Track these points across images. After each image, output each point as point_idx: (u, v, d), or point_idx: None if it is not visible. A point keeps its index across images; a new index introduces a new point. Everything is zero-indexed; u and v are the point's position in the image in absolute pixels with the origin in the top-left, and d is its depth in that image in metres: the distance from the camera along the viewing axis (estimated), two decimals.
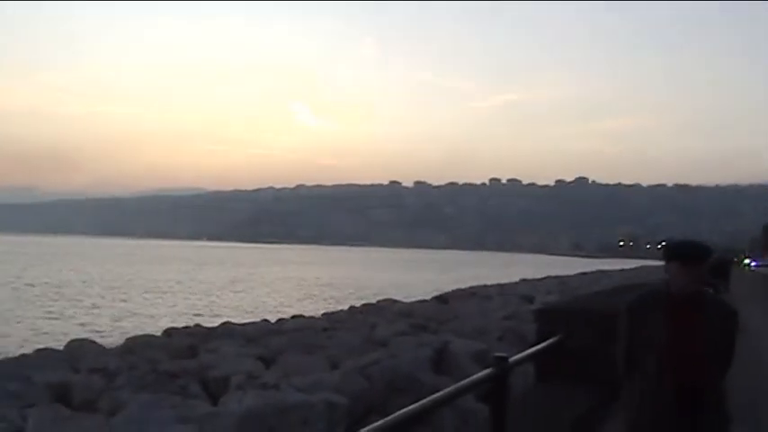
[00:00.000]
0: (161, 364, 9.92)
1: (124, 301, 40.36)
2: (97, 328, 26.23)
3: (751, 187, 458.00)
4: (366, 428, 2.65)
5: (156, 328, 19.52)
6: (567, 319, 7.02)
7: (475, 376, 4.03)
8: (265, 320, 19.88)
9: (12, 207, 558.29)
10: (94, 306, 36.22)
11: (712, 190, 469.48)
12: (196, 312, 33.97)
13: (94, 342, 13.10)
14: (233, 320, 20.20)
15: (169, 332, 15.63)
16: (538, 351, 5.56)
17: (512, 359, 4.62)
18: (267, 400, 7.72)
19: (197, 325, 17.45)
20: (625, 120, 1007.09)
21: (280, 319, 20.65)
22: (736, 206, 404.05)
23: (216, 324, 18.05)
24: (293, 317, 21.55)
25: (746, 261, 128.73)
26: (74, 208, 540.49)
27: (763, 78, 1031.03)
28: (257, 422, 7.32)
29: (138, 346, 12.27)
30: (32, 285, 47.90)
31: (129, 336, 14.96)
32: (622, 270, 74.56)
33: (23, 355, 11.78)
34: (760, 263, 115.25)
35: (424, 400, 3.26)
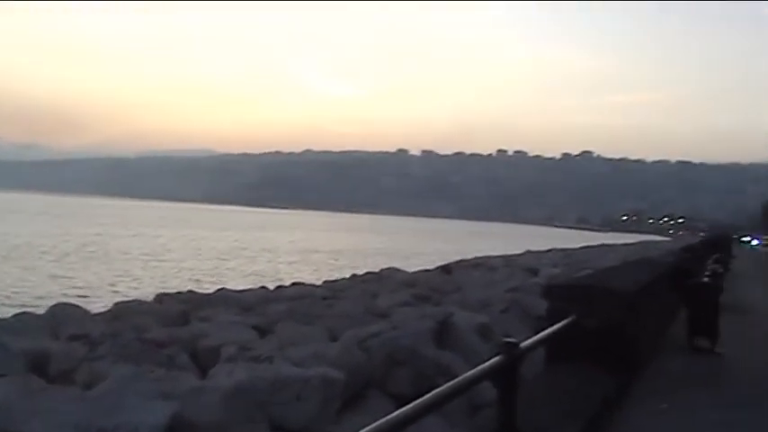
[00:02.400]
0: (148, 331, 9.44)
1: (117, 264, 39.67)
2: (86, 293, 25.74)
3: (752, 166, 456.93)
4: (381, 421, 2.56)
5: (148, 293, 19.05)
6: (583, 297, 6.46)
7: (484, 365, 3.53)
8: (263, 287, 19.32)
9: (16, 164, 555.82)
10: (86, 268, 35.59)
11: (714, 167, 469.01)
12: (193, 278, 33.46)
13: (79, 307, 12.54)
14: (230, 287, 19.69)
15: (160, 298, 14.96)
16: (552, 333, 5.02)
17: (523, 344, 4.08)
18: (258, 374, 7.29)
19: (190, 291, 16.87)
20: (630, 95, 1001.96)
21: (279, 287, 20.12)
22: (737, 184, 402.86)
23: (211, 290, 17.54)
24: (293, 284, 21.07)
25: (748, 239, 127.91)
26: (81, 167, 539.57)
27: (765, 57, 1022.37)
28: (246, 398, 6.87)
29: (125, 312, 11.74)
30: (22, 245, 47.25)
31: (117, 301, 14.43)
32: (626, 245, 74.25)
33: (0, 320, 11.22)
34: (762, 241, 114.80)
35: (431, 394, 3.04)
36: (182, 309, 12.32)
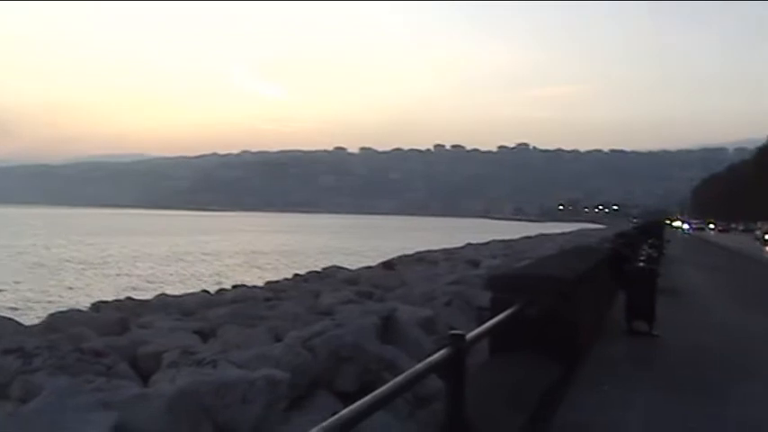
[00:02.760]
0: (86, 341, 9.16)
1: (50, 274, 38.29)
2: (18, 305, 24.72)
3: (679, 152, 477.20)
4: (331, 420, 2.53)
5: (84, 302, 18.47)
6: (525, 287, 6.56)
7: (431, 358, 3.53)
8: (204, 291, 19.00)
9: None
10: (17, 281, 34.17)
11: (644, 155, 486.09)
12: (131, 285, 32.54)
13: (11, 320, 12.06)
14: (170, 292, 19.30)
15: (97, 306, 14.55)
16: (497, 323, 5.07)
17: (469, 336, 4.10)
18: (202, 378, 7.14)
19: (129, 298, 16.46)
20: (563, 87, 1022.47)
21: (220, 290, 19.87)
22: (666, 170, 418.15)
23: (151, 296, 17.17)
24: (234, 287, 20.81)
25: (679, 224, 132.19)
26: (8, 175, 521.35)
27: (691, 48, 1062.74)
28: (191, 402, 6.72)
29: (61, 322, 11.36)
30: None
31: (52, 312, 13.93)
32: (563, 233, 75.81)
33: None
34: (695, 226, 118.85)
35: (379, 390, 3.01)
36: (120, 316, 11.99)
